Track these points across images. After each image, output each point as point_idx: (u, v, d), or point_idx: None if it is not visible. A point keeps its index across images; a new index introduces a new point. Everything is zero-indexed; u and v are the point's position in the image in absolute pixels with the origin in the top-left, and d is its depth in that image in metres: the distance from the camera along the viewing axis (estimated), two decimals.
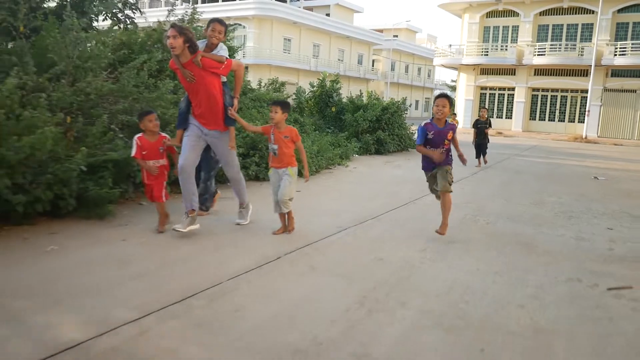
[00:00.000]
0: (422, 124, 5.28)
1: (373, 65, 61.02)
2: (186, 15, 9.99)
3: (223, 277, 3.77)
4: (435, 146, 5.21)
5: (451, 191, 5.22)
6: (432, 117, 5.26)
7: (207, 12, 43.94)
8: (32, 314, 3.02)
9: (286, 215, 5.14)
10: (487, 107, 34.11)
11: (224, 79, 5.17)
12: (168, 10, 10.29)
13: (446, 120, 5.28)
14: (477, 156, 12.54)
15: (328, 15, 52.64)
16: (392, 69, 62.53)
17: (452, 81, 76.74)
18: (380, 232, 5.44)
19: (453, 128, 5.28)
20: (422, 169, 5.48)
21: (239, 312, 3.21)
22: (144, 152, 4.99)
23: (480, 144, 12.62)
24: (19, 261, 3.97)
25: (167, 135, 5.27)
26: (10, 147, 4.59)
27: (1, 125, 4.70)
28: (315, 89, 15.88)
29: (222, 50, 5.15)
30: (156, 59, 8.10)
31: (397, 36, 65.79)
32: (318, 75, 46.18)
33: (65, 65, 6.70)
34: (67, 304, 3.19)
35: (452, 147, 5.38)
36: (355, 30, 54.52)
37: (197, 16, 10.47)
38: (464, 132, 21.83)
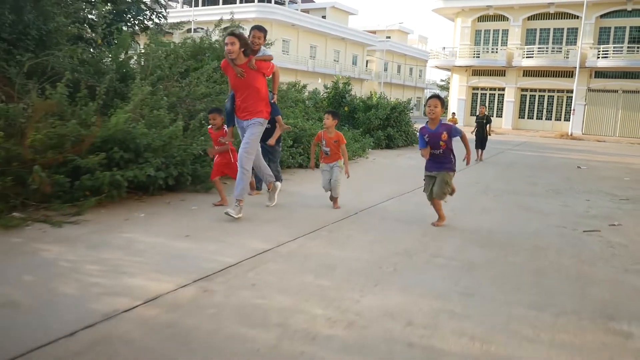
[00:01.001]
0: (419, 130, 5.62)
1: (367, 66, 62.86)
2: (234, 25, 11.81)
3: (321, 224, 5.53)
4: (433, 148, 5.46)
5: (445, 201, 5.66)
6: (427, 121, 5.56)
7: (209, 14, 45.81)
8: (216, 239, 4.76)
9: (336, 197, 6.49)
10: (478, 107, 36.06)
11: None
12: (218, 20, 12.16)
13: (440, 121, 5.45)
14: (477, 148, 14.11)
15: (324, 17, 54.42)
16: (385, 69, 64.45)
17: (442, 80, 79.00)
18: (419, 200, 7.22)
19: (448, 128, 5.42)
20: (425, 168, 5.71)
21: (349, 238, 4.98)
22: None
23: (481, 139, 14.22)
24: (180, 215, 5.71)
25: (226, 128, 6.26)
26: (155, 137, 6.32)
27: (145, 121, 6.44)
28: (329, 90, 17.65)
29: (266, 51, 6.02)
30: (214, 66, 9.94)
31: (389, 37, 67.72)
32: (315, 76, 47.83)
33: (160, 73, 8.47)
34: (227, 238, 4.94)
35: (453, 147, 5.59)
36: (350, 32, 56.30)
37: (239, 25, 12.31)
38: (467, 130, 23.68)
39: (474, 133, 14.21)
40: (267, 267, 4.03)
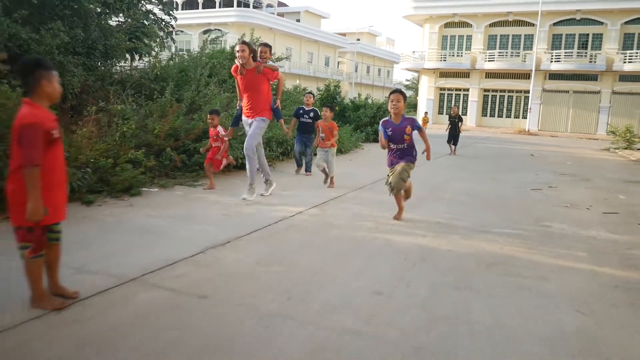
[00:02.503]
0: (381, 121, 5.64)
1: (338, 67, 65.75)
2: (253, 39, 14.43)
3: (325, 199, 8.23)
4: (396, 142, 5.52)
5: (400, 189, 5.72)
6: (390, 115, 5.57)
7: (189, 18, 47.88)
8: (303, 193, 7.41)
9: (330, 177, 8.02)
10: (445, 105, 39.65)
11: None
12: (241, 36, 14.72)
13: (403, 116, 5.49)
14: (448, 142, 16.89)
15: (298, 20, 57.03)
16: (356, 70, 67.50)
17: (407, 80, 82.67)
18: (423, 172, 9.99)
19: (411, 122, 5.47)
20: (388, 165, 5.81)
21: (344, 210, 7.71)
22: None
23: (453, 135, 17.04)
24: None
25: (220, 130, 7.26)
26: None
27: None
28: (322, 91, 20.37)
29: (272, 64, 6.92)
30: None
31: (359, 40, 70.76)
32: (292, 77, 50.25)
33: (198, 80, 11.09)
34: (309, 191, 7.59)
35: (416, 142, 5.75)
36: (323, 35, 59.04)
37: (255, 40, 14.94)
38: (437, 128, 26.74)
39: (448, 130, 16.89)
40: (335, 205, 6.74)
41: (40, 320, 2.93)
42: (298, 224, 5.54)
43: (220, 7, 51.04)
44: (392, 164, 5.66)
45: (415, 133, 5.66)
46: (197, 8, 50.89)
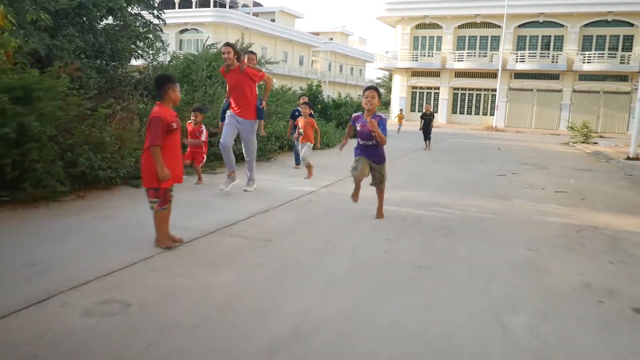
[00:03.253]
0: (352, 117, 5.68)
1: (312, 66, 67.14)
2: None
3: (329, 182, 9.66)
4: (365, 139, 5.48)
5: (380, 186, 5.88)
6: (362, 111, 5.54)
7: (167, 17, 48.46)
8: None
9: (309, 168, 8.90)
10: (417, 103, 41.45)
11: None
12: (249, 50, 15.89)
13: (375, 113, 5.44)
14: (425, 139, 18.48)
15: (273, 20, 58.17)
16: (329, 69, 69.00)
17: (378, 79, 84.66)
18: (403, 163, 11.46)
19: (379, 120, 5.39)
20: (355, 154, 5.76)
21: (348, 190, 9.14)
22: (189, 133, 7.74)
23: (426, 131, 18.59)
24: (273, 169, 9.66)
25: (203, 130, 7.73)
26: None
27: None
28: (305, 91, 21.74)
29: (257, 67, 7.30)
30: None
31: (332, 39, 72.28)
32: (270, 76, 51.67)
33: (199, 79, 12.36)
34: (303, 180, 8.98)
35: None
36: (297, 34, 60.31)
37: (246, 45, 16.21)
38: (410, 125, 28.40)
39: (422, 127, 18.32)
40: (340, 186, 8.16)
41: (168, 252, 4.26)
42: (314, 199, 6.94)
43: (196, 7, 51.84)
44: (359, 155, 5.68)
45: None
46: (174, 8, 51.57)
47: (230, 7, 53.25)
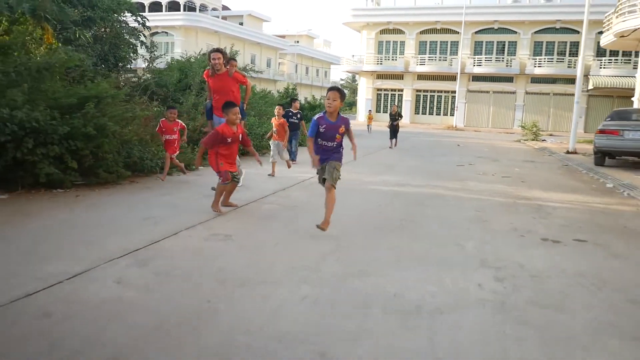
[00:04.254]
0: (315, 117, 5.30)
1: (279, 68, 68.84)
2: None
3: (306, 177, 11.57)
4: (327, 140, 5.25)
5: (334, 187, 5.32)
6: (324, 112, 5.27)
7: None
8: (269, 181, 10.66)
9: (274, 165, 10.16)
10: (382, 104, 43.72)
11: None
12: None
13: (339, 114, 5.28)
14: (390, 138, 20.46)
15: (241, 24, 59.60)
16: (296, 70, 70.84)
17: (342, 80, 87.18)
18: (377, 157, 13.42)
19: (345, 122, 5.29)
20: (320, 161, 5.38)
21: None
22: (164, 130, 8.12)
23: (394, 131, 20.60)
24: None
25: (180, 122, 8.40)
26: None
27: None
28: (282, 93, 23.57)
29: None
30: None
31: (298, 42, 74.14)
32: None
33: (195, 84, 14.05)
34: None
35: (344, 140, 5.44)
36: (265, 38, 61.85)
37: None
38: (376, 124, 30.52)
39: (389, 126, 20.26)
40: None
41: (231, 212, 6.05)
42: (314, 182, 8.78)
43: (166, 10, 52.88)
44: (322, 161, 5.34)
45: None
46: (144, 11, 52.44)
47: (200, 10, 54.48)
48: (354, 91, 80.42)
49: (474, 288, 3.85)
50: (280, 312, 3.25)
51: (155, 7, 53.48)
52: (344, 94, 5.35)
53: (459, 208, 7.11)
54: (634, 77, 25.47)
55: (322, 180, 5.38)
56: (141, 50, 19.42)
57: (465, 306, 3.49)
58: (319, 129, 5.21)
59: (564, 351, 2.88)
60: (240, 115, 6.29)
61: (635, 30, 17.82)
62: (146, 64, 16.45)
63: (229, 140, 6.02)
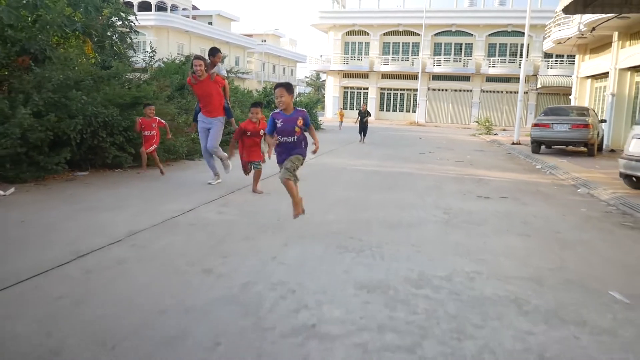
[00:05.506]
0: (271, 115, 5.26)
1: (247, 66, 70.64)
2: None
3: (319, 155, 13.98)
4: (286, 135, 5.19)
5: (290, 179, 5.23)
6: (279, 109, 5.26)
7: None
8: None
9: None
10: (348, 102, 46.26)
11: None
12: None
13: (295, 108, 5.28)
14: (359, 133, 22.83)
15: (210, 23, 61.23)
16: (263, 69, 72.81)
17: (306, 77, 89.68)
18: (351, 148, 15.86)
19: (302, 114, 5.24)
20: (278, 162, 5.40)
21: (332, 159, 13.46)
22: (143, 126, 8.70)
23: (363, 127, 22.99)
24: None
25: (158, 118, 8.85)
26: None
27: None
28: (261, 92, 25.78)
29: (222, 70, 8.18)
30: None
31: (265, 41, 76.07)
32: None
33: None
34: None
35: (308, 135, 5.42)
36: (233, 37, 63.59)
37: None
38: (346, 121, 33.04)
39: (357, 123, 22.36)
40: (328, 157, 12.44)
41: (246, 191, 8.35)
42: (310, 164, 11.13)
43: (138, 10, 54.09)
44: (282, 161, 5.32)
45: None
46: None
47: (171, 10, 55.91)
48: (319, 88, 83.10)
49: (431, 217, 6.32)
50: (326, 218, 5.60)
51: (126, 7, 54.56)
52: (291, 87, 5.30)
53: (421, 180, 9.60)
54: None
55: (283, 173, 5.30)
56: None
57: (426, 223, 5.94)
58: (276, 124, 5.18)
59: (479, 239, 5.33)
60: (261, 114, 7.37)
61: (569, 38, 20.79)
62: (144, 65, 18.30)
63: (249, 133, 7.33)
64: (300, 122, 5.17)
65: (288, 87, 5.23)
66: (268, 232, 5.30)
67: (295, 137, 5.21)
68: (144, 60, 18.39)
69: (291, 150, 5.27)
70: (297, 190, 5.38)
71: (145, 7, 54.69)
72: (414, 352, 2.75)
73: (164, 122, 9.04)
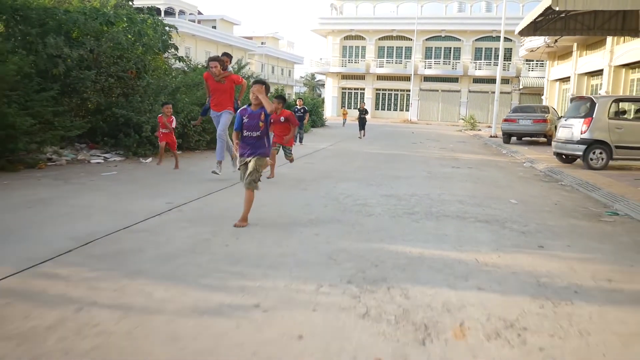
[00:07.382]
0: (239, 111, 5.35)
1: (247, 67, 73.89)
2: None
3: (330, 144, 17.54)
4: (251, 130, 5.23)
5: (256, 189, 5.27)
6: (249, 105, 5.32)
7: None
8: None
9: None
10: (346, 102, 49.89)
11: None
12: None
13: (262, 106, 5.22)
14: (360, 129, 26.40)
15: (214, 27, 64.65)
16: (262, 70, 76.25)
17: (301, 77, 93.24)
18: (357, 140, 19.46)
19: (289, 115, 5.58)
20: (239, 155, 5.40)
21: (340, 146, 17.06)
22: (161, 125, 9.35)
23: (362, 124, 26.56)
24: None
25: (173, 120, 9.50)
26: None
27: None
28: (272, 93, 29.32)
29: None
30: None
31: (264, 43, 79.50)
32: None
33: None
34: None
35: (271, 134, 5.64)
36: (235, 40, 66.97)
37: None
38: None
39: (358, 119, 26.00)
40: (337, 145, 16.04)
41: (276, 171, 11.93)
42: (330, 149, 14.73)
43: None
44: (243, 154, 5.34)
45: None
46: None
47: (178, 15, 59.30)
48: (313, 88, 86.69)
49: (419, 174, 9.94)
50: (355, 175, 9.19)
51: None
52: (268, 86, 5.36)
53: (414, 158, 13.22)
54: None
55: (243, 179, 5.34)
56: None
57: (416, 177, 9.55)
58: (243, 120, 5.26)
59: (447, 183, 8.93)
60: (280, 106, 8.33)
61: (539, 47, 24.53)
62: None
63: (272, 120, 7.52)
64: (262, 116, 5.19)
65: (266, 86, 5.31)
66: (324, 180, 8.90)
67: (260, 132, 5.25)
68: (183, 66, 21.77)
69: (255, 148, 5.27)
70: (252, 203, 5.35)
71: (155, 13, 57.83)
72: (413, 212, 6.36)
73: (174, 122, 9.66)
